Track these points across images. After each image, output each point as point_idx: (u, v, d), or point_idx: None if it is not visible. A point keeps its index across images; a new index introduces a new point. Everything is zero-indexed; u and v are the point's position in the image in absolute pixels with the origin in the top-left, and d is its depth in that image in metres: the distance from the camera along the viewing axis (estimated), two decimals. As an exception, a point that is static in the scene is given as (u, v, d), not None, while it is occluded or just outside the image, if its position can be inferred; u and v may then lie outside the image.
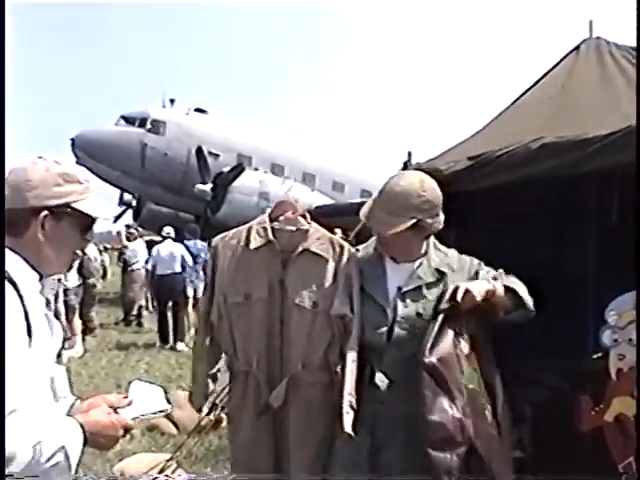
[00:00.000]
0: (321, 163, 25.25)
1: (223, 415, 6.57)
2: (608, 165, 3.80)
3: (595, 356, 4.14)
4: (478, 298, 3.08)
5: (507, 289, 3.24)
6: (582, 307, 4.54)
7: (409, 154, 4.67)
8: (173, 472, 5.20)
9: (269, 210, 3.62)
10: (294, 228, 3.49)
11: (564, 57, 5.42)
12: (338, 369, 3.33)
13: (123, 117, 23.79)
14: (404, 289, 3.24)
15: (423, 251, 3.33)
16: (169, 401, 2.53)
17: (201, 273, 13.32)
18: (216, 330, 3.55)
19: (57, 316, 11.03)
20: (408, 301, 3.22)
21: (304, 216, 3.54)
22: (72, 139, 22.46)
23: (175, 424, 7.19)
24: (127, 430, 2.29)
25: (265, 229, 3.48)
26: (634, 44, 5.18)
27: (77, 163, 22.51)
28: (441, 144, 5.01)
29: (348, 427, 3.07)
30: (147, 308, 16.67)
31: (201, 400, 3.78)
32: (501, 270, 3.44)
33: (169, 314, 13.59)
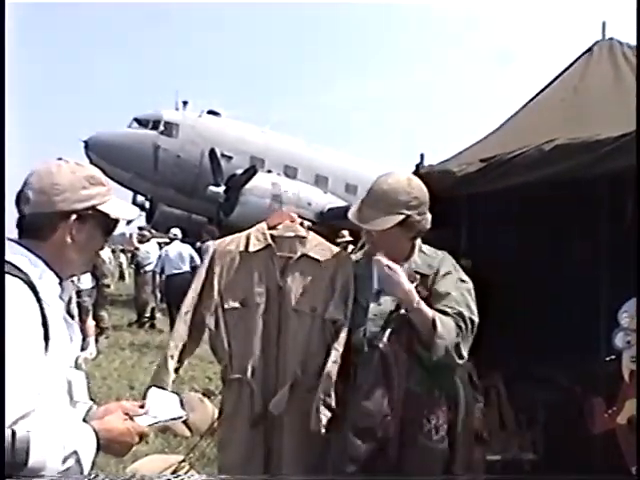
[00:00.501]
0: (334, 165, 25.24)
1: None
2: (621, 167, 3.80)
3: (608, 358, 4.14)
4: (385, 287, 3.14)
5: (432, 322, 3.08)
6: (595, 309, 4.54)
7: (421, 156, 4.66)
8: (186, 473, 5.21)
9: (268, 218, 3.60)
10: (292, 234, 3.47)
11: (577, 59, 5.42)
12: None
13: (136, 119, 23.77)
14: (377, 288, 3.24)
15: (408, 254, 3.31)
16: (184, 407, 2.53)
17: None
18: (212, 337, 3.49)
19: (71, 317, 11.06)
20: (382, 300, 3.23)
21: (302, 224, 3.55)
22: (85, 141, 22.43)
23: (188, 426, 7.20)
24: (142, 437, 2.30)
25: (264, 234, 3.47)
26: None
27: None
28: (454, 146, 5.00)
29: (316, 425, 3.11)
30: (160, 310, 16.68)
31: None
32: (460, 308, 3.15)
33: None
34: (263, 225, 3.53)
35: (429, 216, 3.28)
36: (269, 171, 22.73)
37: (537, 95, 5.40)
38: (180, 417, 2.47)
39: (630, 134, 3.75)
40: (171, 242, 14.54)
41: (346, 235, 12.53)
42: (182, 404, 2.52)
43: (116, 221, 2.36)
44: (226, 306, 3.44)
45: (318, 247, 3.47)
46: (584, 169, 3.87)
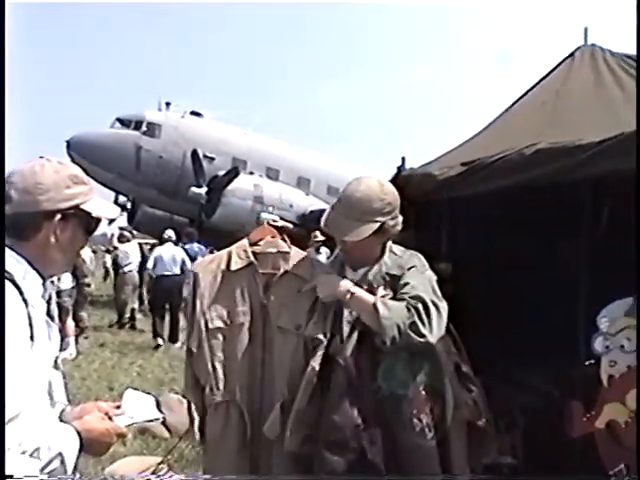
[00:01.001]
0: (316, 167, 25.27)
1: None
2: (602, 172, 3.80)
3: (587, 362, 4.14)
4: (320, 295, 3.18)
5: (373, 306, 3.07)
6: (575, 313, 4.54)
7: (403, 159, 4.65)
8: (164, 475, 5.18)
9: (264, 215, 3.57)
10: (275, 250, 3.43)
11: (559, 64, 5.43)
12: None
13: (119, 119, 23.70)
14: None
15: (378, 256, 3.30)
16: (160, 410, 2.51)
17: None
18: (194, 359, 3.42)
19: (51, 318, 10.99)
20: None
21: (284, 240, 3.50)
22: (67, 141, 22.34)
23: (167, 427, 7.16)
24: (120, 437, 2.29)
25: (245, 251, 3.41)
26: (629, 51, 5.20)
27: (72, 165, 22.50)
28: (435, 150, 5.00)
29: (292, 446, 3.09)
30: (141, 311, 16.65)
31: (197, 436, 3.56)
32: (419, 294, 3.12)
33: (166, 315, 13.90)
34: (245, 242, 3.46)
35: (400, 218, 3.28)
36: (251, 173, 22.73)
37: (519, 99, 5.40)
38: (157, 419, 2.47)
39: (611, 139, 3.74)
40: (163, 243, 14.52)
41: (319, 236, 12.60)
42: (159, 406, 2.50)
43: (98, 220, 2.34)
44: (210, 326, 3.37)
45: (301, 263, 3.41)
46: (565, 174, 3.86)
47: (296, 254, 3.45)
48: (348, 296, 3.07)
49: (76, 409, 2.34)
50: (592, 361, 4.06)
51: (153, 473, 5.24)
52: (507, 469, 4.63)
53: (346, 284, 3.10)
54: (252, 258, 3.39)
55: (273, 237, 3.47)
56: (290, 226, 12.21)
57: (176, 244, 14.77)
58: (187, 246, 14.95)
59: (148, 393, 2.60)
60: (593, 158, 3.75)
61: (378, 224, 3.13)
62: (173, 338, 13.61)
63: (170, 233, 14.72)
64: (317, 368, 3.14)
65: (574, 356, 4.35)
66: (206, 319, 3.37)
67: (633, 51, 5.02)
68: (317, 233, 12.77)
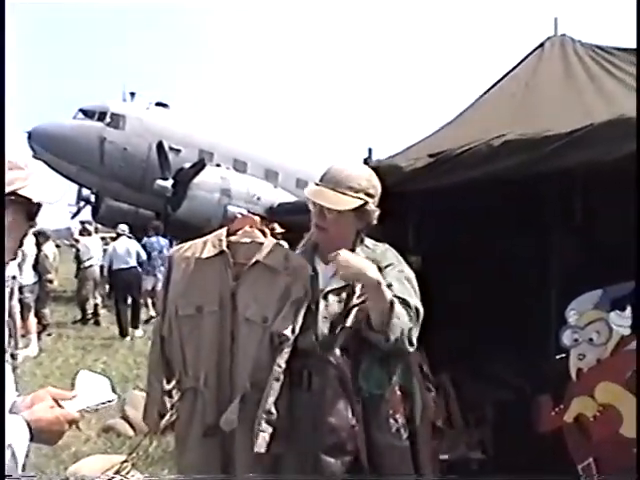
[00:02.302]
0: (284, 160, 25.19)
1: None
2: (570, 163, 3.82)
3: (559, 356, 4.15)
4: (340, 273, 3.06)
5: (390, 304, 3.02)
6: (545, 306, 4.56)
7: (369, 151, 4.64)
8: (127, 473, 5.14)
9: (232, 209, 3.54)
10: (249, 240, 3.40)
11: (528, 54, 5.46)
12: None
13: (82, 110, 23.40)
14: (327, 289, 3.20)
15: (350, 249, 3.27)
16: (115, 391, 2.47)
17: (162, 268, 13.68)
18: (167, 345, 3.42)
19: (11, 314, 10.86)
20: (330, 300, 3.17)
21: (263, 231, 3.47)
22: (28, 132, 22.09)
23: (131, 425, 7.11)
24: (72, 423, 2.24)
25: (220, 240, 3.39)
26: (599, 42, 5.23)
27: (33, 157, 22.09)
28: (402, 141, 5.00)
29: (259, 447, 3.06)
30: (104, 306, 16.54)
31: (156, 419, 3.51)
32: (411, 299, 3.11)
33: (127, 307, 14.34)
34: (222, 231, 3.45)
35: (378, 212, 3.27)
36: (218, 165, 22.58)
37: (488, 90, 5.42)
38: (110, 400, 2.41)
39: (580, 130, 3.76)
40: (118, 237, 14.90)
41: (276, 227, 12.32)
42: (113, 388, 2.45)
43: (39, 205, 2.30)
44: (180, 313, 3.36)
45: (274, 253, 3.38)
46: (534, 165, 3.87)
47: (269, 245, 3.41)
48: (377, 283, 3.02)
49: (28, 398, 2.29)
50: (563, 355, 4.07)
51: (117, 472, 5.19)
52: (476, 464, 4.67)
53: (375, 270, 3.06)
54: (224, 247, 3.36)
55: (251, 227, 3.45)
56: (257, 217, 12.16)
57: (130, 237, 15.14)
58: (153, 239, 15.61)
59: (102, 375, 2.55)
60: (562, 149, 3.77)
61: (362, 201, 3.13)
62: (134, 324, 14.36)
63: (124, 227, 15.19)
64: (283, 366, 3.11)
65: (545, 350, 4.38)
66: (177, 306, 3.37)
67: (606, 42, 5.06)
68: (275, 225, 12.53)
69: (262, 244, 3.38)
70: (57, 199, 2.43)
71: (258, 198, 21.49)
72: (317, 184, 3.25)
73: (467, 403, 5.25)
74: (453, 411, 4.94)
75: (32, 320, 11.95)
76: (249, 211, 19.71)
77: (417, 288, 3.20)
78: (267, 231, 3.50)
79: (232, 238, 3.41)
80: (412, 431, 3.18)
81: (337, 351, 3.00)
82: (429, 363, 3.48)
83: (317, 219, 3.26)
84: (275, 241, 3.44)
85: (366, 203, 3.16)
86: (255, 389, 3.19)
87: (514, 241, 4.85)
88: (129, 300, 14.54)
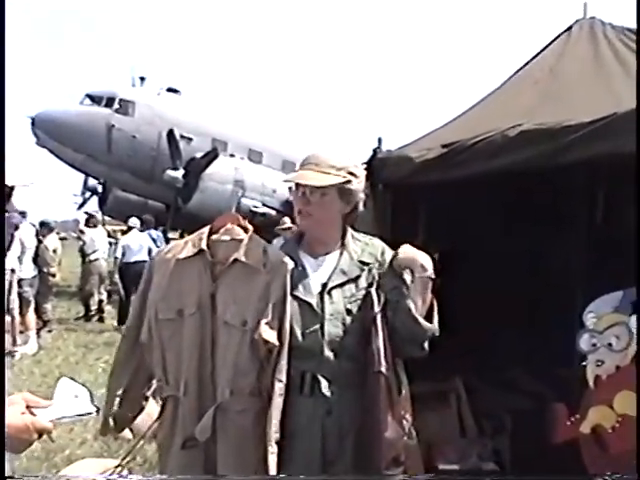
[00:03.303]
0: (301, 151, 25.10)
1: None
2: (593, 155, 3.76)
3: (584, 363, 4.09)
4: (402, 256, 3.04)
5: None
6: (569, 308, 4.49)
7: (379, 140, 4.61)
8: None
9: (245, 201, 3.51)
10: (228, 238, 3.36)
11: (555, 39, 5.39)
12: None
13: (89, 95, 23.37)
14: (330, 285, 3.16)
15: (340, 242, 3.26)
16: (94, 404, 2.45)
17: None
18: (146, 351, 3.38)
19: (9, 309, 10.91)
20: (335, 297, 3.14)
21: (245, 228, 3.43)
22: (32, 118, 22.14)
23: (130, 428, 7.09)
24: (42, 433, 2.22)
25: (200, 239, 3.34)
26: (631, 25, 5.15)
27: (37, 144, 22.33)
28: (414, 131, 4.96)
29: (273, 469, 3.04)
30: (110, 302, 16.61)
31: (107, 425, 3.54)
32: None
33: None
34: (205, 229, 3.41)
35: (364, 198, 3.26)
36: (232, 155, 22.60)
37: (510, 77, 5.37)
38: (89, 413, 2.39)
39: (603, 120, 3.71)
40: (129, 230, 15.50)
41: (287, 222, 12.17)
42: (92, 400, 2.44)
43: (11, 188, 2.29)
44: (160, 317, 3.30)
45: (253, 250, 3.31)
46: (552, 157, 3.83)
47: (250, 241, 3.36)
48: (427, 275, 3.02)
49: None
50: (599, 363, 4.00)
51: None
52: (488, 476, 4.63)
53: (428, 260, 3.05)
54: (203, 246, 3.30)
55: (232, 224, 3.40)
56: (273, 213, 12.10)
57: (142, 231, 15.56)
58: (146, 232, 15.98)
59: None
60: (583, 140, 3.72)
61: (343, 179, 3.10)
62: None
63: (135, 221, 15.73)
64: (285, 381, 3.10)
65: (568, 355, 4.31)
66: (157, 309, 3.31)
67: (634, 24, 4.98)
68: (285, 219, 12.41)
69: (242, 241, 3.34)
70: (29, 182, 2.43)
71: (274, 190, 21.46)
72: (300, 167, 3.24)
73: (482, 410, 5.22)
74: (465, 418, 4.91)
75: (31, 316, 11.98)
76: (264, 204, 19.77)
77: None
78: (249, 227, 3.45)
79: (213, 237, 3.37)
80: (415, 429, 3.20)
81: (383, 359, 2.97)
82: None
83: (300, 205, 3.23)
84: (254, 236, 3.39)
85: (349, 182, 3.14)
86: (235, 397, 3.15)
87: (531, 238, 4.80)
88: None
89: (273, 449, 3.03)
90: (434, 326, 3.04)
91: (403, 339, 3.05)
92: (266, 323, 3.11)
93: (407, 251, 3.06)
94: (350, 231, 3.30)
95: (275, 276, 3.18)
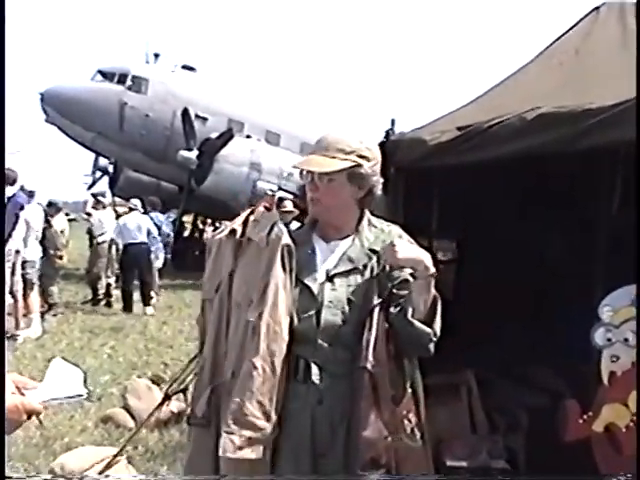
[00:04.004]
0: (320, 133, 24.99)
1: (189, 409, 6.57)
2: (612, 140, 3.73)
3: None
4: (399, 256, 2.96)
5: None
6: (589, 300, 4.45)
7: (392, 122, 4.60)
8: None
9: (261, 184, 3.58)
10: (252, 218, 3.44)
11: (581, 19, 5.34)
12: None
13: (100, 72, 23.48)
14: (333, 272, 3.16)
15: (356, 224, 3.25)
16: (86, 386, 2.47)
17: (160, 245, 15.83)
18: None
19: (12, 292, 10.98)
20: (337, 284, 3.12)
21: (269, 208, 3.49)
22: (41, 94, 22.23)
23: (132, 416, 7.13)
24: (31, 414, 2.24)
25: (239, 219, 3.46)
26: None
27: (46, 121, 22.44)
28: (431, 113, 4.94)
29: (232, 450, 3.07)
30: (118, 287, 16.71)
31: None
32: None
33: (135, 282, 15.45)
34: (247, 210, 3.53)
35: (381, 180, 3.23)
36: (248, 136, 22.61)
37: (534, 58, 5.32)
38: (80, 395, 2.40)
39: (625, 103, 3.68)
40: (130, 212, 15.53)
41: (288, 205, 11.78)
42: (85, 382, 2.45)
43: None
44: (204, 297, 3.52)
45: (260, 227, 3.34)
46: (570, 142, 3.80)
47: (263, 220, 3.41)
48: (431, 275, 3.00)
49: None
50: (614, 359, 3.96)
51: (108, 465, 5.23)
52: (498, 474, 4.62)
53: (431, 260, 3.05)
54: (235, 225, 3.42)
55: (265, 207, 3.48)
56: (290, 197, 11.99)
57: (145, 213, 15.83)
58: (152, 215, 16.34)
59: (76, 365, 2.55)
60: (603, 125, 3.69)
61: (353, 163, 3.09)
62: (146, 302, 15.10)
63: (136, 202, 15.81)
64: (258, 363, 3.10)
65: (589, 351, 4.27)
66: (204, 290, 3.56)
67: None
68: (287, 203, 12.11)
69: (257, 220, 3.40)
70: (16, 150, 2.43)
71: (291, 174, 21.45)
72: (309, 153, 3.23)
73: (496, 406, 5.21)
74: (476, 413, 4.90)
75: (35, 298, 12.03)
76: (280, 188, 19.78)
77: None
78: (274, 207, 3.51)
79: (251, 217, 3.45)
80: (421, 431, 3.18)
81: (370, 355, 2.96)
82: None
83: (309, 191, 3.23)
84: (267, 215, 3.42)
85: (359, 165, 3.13)
86: (236, 379, 3.17)
87: (547, 225, 4.77)
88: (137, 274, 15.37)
89: (229, 429, 3.06)
90: (433, 330, 2.99)
91: (403, 341, 3.06)
92: (254, 303, 3.15)
93: (407, 250, 3.01)
94: (367, 216, 3.27)
95: (273, 253, 3.21)
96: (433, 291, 2.99)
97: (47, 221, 12.66)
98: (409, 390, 3.15)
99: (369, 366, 2.90)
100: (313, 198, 3.21)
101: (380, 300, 3.01)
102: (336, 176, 3.10)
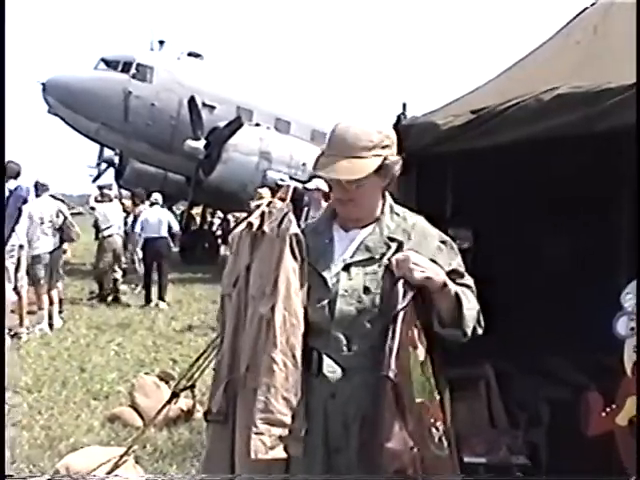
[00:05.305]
0: (330, 120, 24.98)
1: (198, 406, 6.57)
2: (632, 121, 3.68)
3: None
4: (415, 275, 2.93)
5: (456, 297, 3.02)
6: (615, 288, 4.40)
7: (404, 106, 4.57)
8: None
9: (271, 174, 3.58)
10: (267, 210, 3.45)
11: (601, -4, 5.30)
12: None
13: (104, 60, 23.47)
14: (349, 260, 3.13)
15: (378, 212, 3.21)
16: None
17: None
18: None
19: (17, 288, 11.00)
20: (354, 273, 3.09)
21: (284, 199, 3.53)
22: (43, 84, 22.24)
23: (140, 415, 7.13)
24: None
25: (256, 212, 3.48)
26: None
27: (49, 112, 22.46)
28: (444, 96, 4.91)
29: (262, 452, 3.06)
30: (125, 282, 16.76)
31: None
32: (468, 278, 3.17)
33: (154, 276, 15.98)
34: (264, 202, 3.56)
35: (400, 159, 3.19)
36: (257, 124, 22.59)
37: (551, 38, 5.28)
38: None
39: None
40: (151, 206, 16.34)
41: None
42: None
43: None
44: (223, 292, 3.53)
45: (273, 218, 3.36)
46: (589, 123, 3.76)
47: (275, 210, 3.42)
48: (442, 286, 2.97)
49: None
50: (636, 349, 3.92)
51: (115, 466, 5.22)
52: (518, 470, 4.59)
53: (440, 271, 3.01)
54: (252, 219, 3.42)
55: (280, 198, 3.51)
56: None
57: (163, 207, 16.39)
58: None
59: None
60: (623, 105, 3.65)
61: (381, 158, 3.05)
62: (161, 295, 15.72)
63: (157, 196, 16.43)
64: (278, 356, 3.09)
65: (613, 344, 4.23)
66: (223, 285, 3.55)
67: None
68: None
69: (272, 213, 3.41)
70: None
71: (303, 163, 21.40)
72: (323, 152, 3.17)
73: (516, 400, 5.18)
74: (495, 408, 4.87)
75: (42, 294, 12.17)
76: (291, 177, 19.75)
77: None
78: (287, 198, 3.52)
79: (267, 209, 3.46)
80: (448, 440, 3.14)
81: (393, 364, 2.92)
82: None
83: (338, 193, 3.19)
84: (281, 206, 3.41)
85: (385, 158, 3.09)
86: (251, 373, 3.17)
87: (569, 211, 4.72)
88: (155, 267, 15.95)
89: (258, 429, 3.05)
90: (462, 330, 3.00)
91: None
92: (265, 298, 3.15)
93: (422, 267, 2.96)
94: (389, 202, 3.24)
95: (283, 245, 3.20)
96: (452, 293, 2.97)
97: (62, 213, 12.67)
98: (437, 396, 3.12)
99: (392, 375, 2.85)
100: (343, 199, 3.17)
101: (404, 305, 2.96)
102: (366, 177, 3.07)
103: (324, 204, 10.88)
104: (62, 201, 14.16)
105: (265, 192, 11.51)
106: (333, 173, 3.09)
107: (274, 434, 3.02)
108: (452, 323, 2.99)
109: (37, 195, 12.50)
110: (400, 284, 2.96)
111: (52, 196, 13.55)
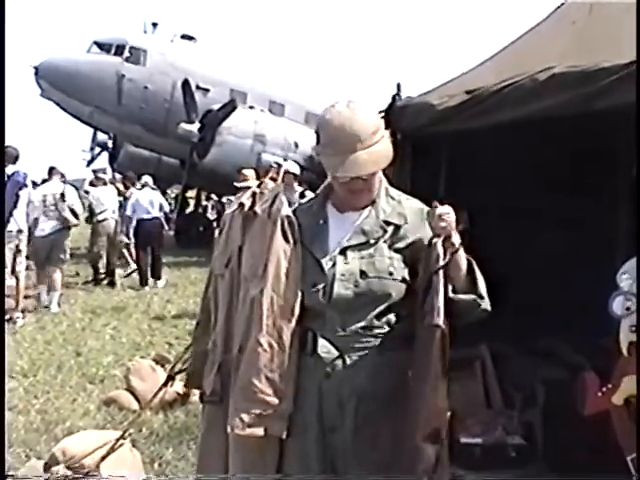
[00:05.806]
0: (325, 102, 24.93)
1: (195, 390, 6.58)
2: (628, 100, 3.68)
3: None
4: (451, 227, 2.93)
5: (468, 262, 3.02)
6: (610, 268, 4.41)
7: (398, 86, 4.55)
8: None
9: (266, 157, 3.57)
10: (259, 191, 3.45)
11: (596, -24, 5.26)
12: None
13: (96, 43, 23.39)
14: (345, 244, 3.12)
15: (374, 195, 3.19)
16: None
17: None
18: (212, 307, 3.60)
19: (15, 272, 11.01)
20: (350, 257, 3.08)
21: (283, 180, 3.52)
22: (35, 67, 22.16)
23: (137, 398, 7.13)
24: None
25: (251, 192, 3.46)
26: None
27: (41, 96, 22.41)
28: (439, 76, 4.89)
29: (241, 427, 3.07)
30: (121, 265, 16.76)
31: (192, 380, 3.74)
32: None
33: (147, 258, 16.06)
34: (255, 183, 3.57)
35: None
36: (251, 107, 22.54)
37: (546, 17, 5.27)
38: None
39: (640, 61, 3.63)
40: (142, 188, 16.56)
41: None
42: None
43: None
44: (215, 272, 3.54)
45: (265, 199, 3.36)
46: (585, 102, 3.75)
47: (267, 190, 3.43)
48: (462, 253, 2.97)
49: None
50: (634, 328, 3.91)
51: (112, 449, 5.21)
52: (513, 451, 4.61)
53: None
54: (243, 199, 3.42)
55: (274, 177, 3.51)
56: (296, 169, 11.83)
57: (154, 189, 16.59)
58: None
59: None
60: (619, 84, 3.64)
61: (387, 135, 3.04)
62: (156, 275, 15.99)
63: (147, 178, 16.71)
64: (263, 338, 3.09)
65: (609, 322, 4.23)
66: (214, 266, 3.57)
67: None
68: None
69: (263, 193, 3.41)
70: None
71: (297, 145, 21.39)
72: (326, 153, 3.11)
73: (512, 381, 5.19)
74: (491, 388, 4.88)
75: (56, 275, 12.38)
76: (286, 159, 19.76)
77: None
78: (279, 179, 3.52)
79: (258, 190, 3.46)
80: None
81: (442, 312, 2.87)
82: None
83: (357, 185, 3.14)
84: (272, 187, 3.41)
85: (390, 136, 3.09)
86: (243, 354, 3.17)
87: (565, 191, 4.72)
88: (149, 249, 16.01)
89: (237, 406, 3.08)
90: (477, 293, 2.97)
91: (455, 314, 2.98)
92: (255, 280, 3.15)
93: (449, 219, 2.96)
94: (385, 185, 3.22)
95: (274, 226, 3.20)
96: (464, 259, 2.97)
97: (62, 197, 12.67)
98: (440, 405, 3.12)
99: (441, 323, 2.81)
100: (362, 189, 3.14)
101: (446, 261, 2.93)
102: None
103: (297, 187, 10.95)
104: (75, 187, 14.11)
105: (249, 173, 11.28)
106: (360, 170, 3.01)
107: (253, 412, 3.04)
108: (467, 288, 2.98)
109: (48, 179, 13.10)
110: (439, 243, 2.93)
111: (64, 182, 13.53)
